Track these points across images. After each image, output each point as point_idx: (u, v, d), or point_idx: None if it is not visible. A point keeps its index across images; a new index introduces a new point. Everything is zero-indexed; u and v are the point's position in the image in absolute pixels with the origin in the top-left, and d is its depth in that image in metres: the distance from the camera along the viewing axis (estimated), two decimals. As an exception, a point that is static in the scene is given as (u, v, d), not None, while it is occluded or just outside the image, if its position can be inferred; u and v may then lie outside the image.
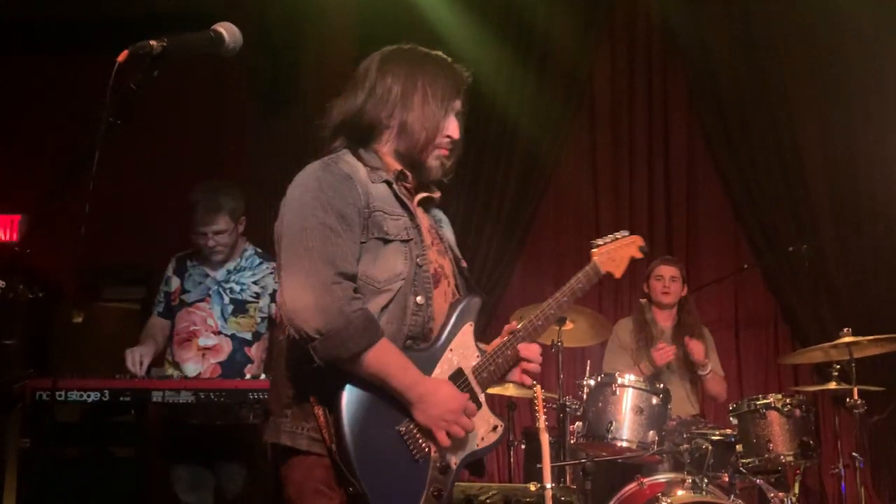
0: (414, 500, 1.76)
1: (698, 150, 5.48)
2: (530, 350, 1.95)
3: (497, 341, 1.97)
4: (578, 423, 3.57)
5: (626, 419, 3.42)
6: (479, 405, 1.87)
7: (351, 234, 1.77)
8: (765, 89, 5.21)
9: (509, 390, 3.87)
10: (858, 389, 3.62)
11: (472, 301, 1.94)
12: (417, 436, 1.78)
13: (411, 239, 1.85)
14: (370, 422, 1.75)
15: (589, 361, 3.91)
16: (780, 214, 5.12)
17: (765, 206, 5.16)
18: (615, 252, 2.18)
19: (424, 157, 1.92)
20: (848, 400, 3.59)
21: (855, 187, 5.06)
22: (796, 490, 3.54)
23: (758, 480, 3.52)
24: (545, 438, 2.95)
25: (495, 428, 1.90)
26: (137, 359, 3.25)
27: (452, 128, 1.94)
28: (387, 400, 1.76)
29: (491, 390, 3.93)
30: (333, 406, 1.74)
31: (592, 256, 2.15)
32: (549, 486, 2.85)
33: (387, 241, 1.81)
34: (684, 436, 3.57)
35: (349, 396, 1.74)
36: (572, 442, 3.60)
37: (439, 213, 2.09)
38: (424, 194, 1.99)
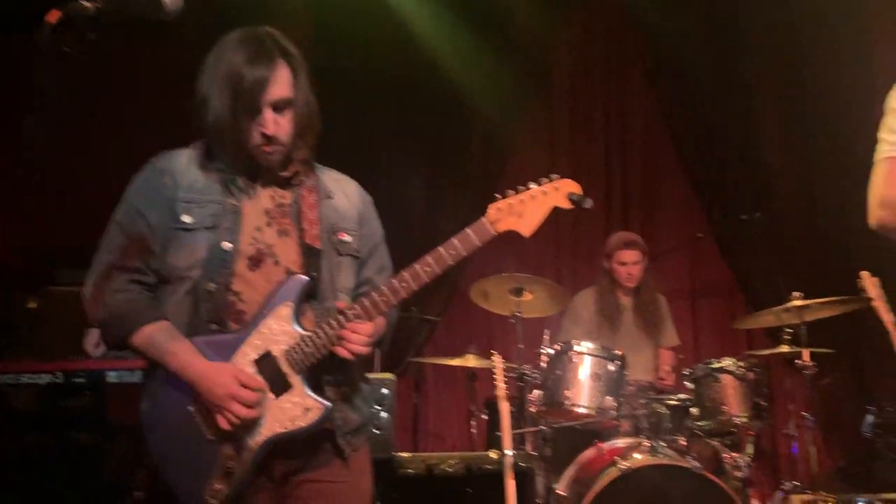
0: (203, 476, 1.84)
1: (654, 121, 5.54)
2: (357, 330, 1.85)
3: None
4: (538, 392, 3.62)
5: (585, 386, 3.48)
6: (287, 387, 1.85)
7: (142, 228, 1.90)
8: (720, 60, 5.26)
9: (470, 361, 3.91)
10: (809, 352, 3.71)
11: (292, 281, 1.89)
12: (207, 415, 1.85)
13: (216, 226, 1.89)
14: (168, 398, 1.88)
15: (548, 331, 3.96)
16: (733, 183, 5.21)
17: (719, 175, 5.25)
18: (524, 205, 1.90)
19: (247, 157, 1.90)
20: (797, 362, 3.68)
21: (808, 155, 5.16)
22: (750, 451, 3.63)
23: (713, 442, 3.61)
24: (504, 406, 2.99)
25: (308, 410, 1.85)
26: (94, 339, 3.21)
27: (267, 123, 1.87)
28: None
29: (451, 361, 4.02)
30: (145, 380, 1.94)
31: (486, 211, 1.90)
32: (509, 452, 2.88)
33: (188, 230, 1.89)
34: (642, 401, 3.65)
35: (156, 374, 1.89)
36: (532, 410, 3.65)
37: (339, 186, 2.06)
38: (278, 175, 1.96)
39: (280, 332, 1.86)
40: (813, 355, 3.73)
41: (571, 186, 1.91)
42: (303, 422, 1.84)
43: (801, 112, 5.16)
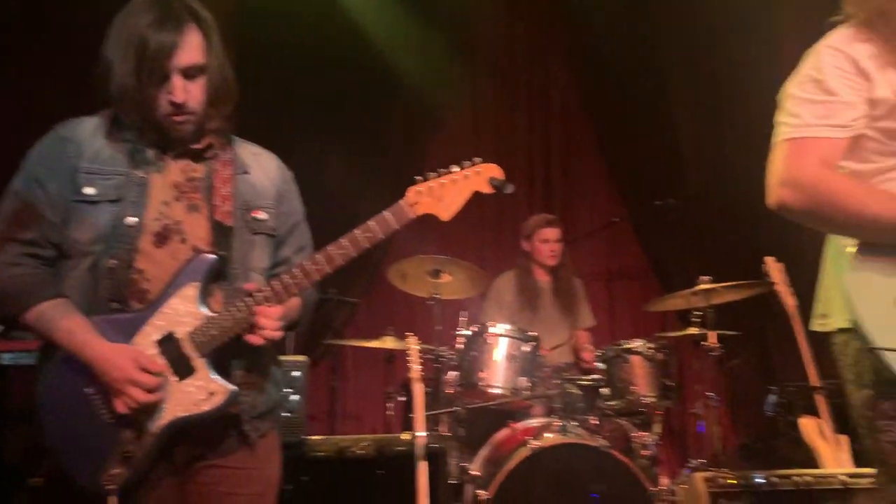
0: (101, 461, 1.77)
1: (575, 107, 5.62)
2: (266, 314, 1.79)
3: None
4: (454, 373, 3.63)
5: (499, 367, 3.51)
6: (190, 370, 1.79)
7: (40, 198, 1.80)
8: (638, 49, 5.37)
9: (387, 343, 3.89)
10: (716, 334, 3.83)
11: (199, 260, 1.82)
12: (105, 398, 1.78)
13: (121, 199, 1.81)
14: (64, 380, 1.79)
15: (466, 312, 3.97)
16: (648, 170, 5.33)
17: (635, 162, 5.37)
18: (444, 189, 1.88)
19: (156, 127, 1.82)
20: (703, 344, 3.80)
21: (719, 145, 5.32)
22: (657, 430, 3.74)
23: (622, 422, 3.70)
24: (418, 388, 2.99)
25: (212, 395, 1.79)
26: None
27: (175, 90, 1.79)
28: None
29: (368, 343, 3.99)
30: (41, 361, 1.84)
31: (406, 194, 1.87)
32: (421, 434, 2.88)
33: (90, 203, 1.80)
34: (556, 382, 3.71)
35: (51, 354, 1.80)
36: (449, 391, 3.66)
37: (257, 161, 1.99)
38: (190, 147, 1.89)
39: (185, 312, 1.79)
40: (720, 337, 3.85)
41: (493, 171, 1.89)
42: (206, 406, 1.78)
43: (714, 103, 5.33)
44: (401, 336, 3.95)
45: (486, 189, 1.90)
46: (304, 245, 2.04)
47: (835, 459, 3.58)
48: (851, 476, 3.04)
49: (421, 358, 3.15)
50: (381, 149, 5.35)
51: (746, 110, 5.14)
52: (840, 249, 1.75)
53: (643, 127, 5.37)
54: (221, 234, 1.85)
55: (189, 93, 1.80)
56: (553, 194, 5.60)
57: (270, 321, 1.79)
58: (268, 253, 1.95)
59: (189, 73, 1.80)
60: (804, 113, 1.72)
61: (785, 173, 1.70)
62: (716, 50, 5.29)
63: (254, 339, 1.79)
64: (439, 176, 1.89)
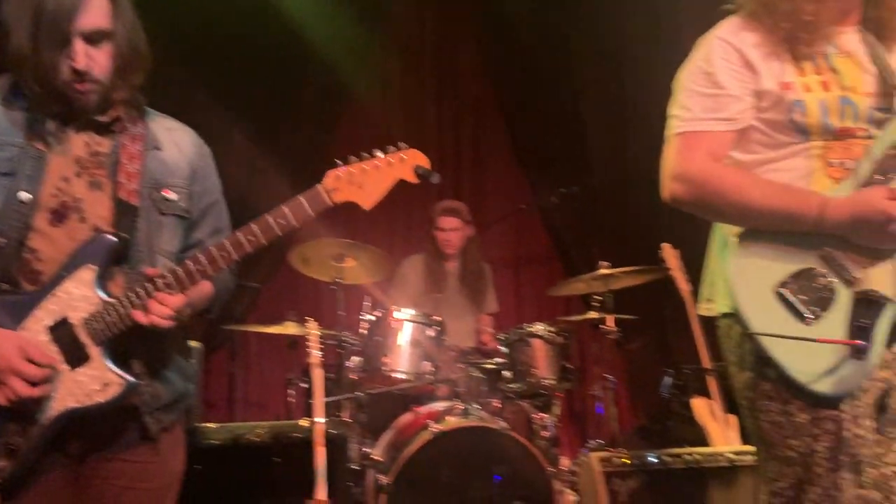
0: None
1: (486, 94, 5.65)
2: (164, 301, 1.67)
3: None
4: (358, 358, 3.60)
5: (403, 352, 3.50)
6: (84, 359, 1.68)
7: None
8: (549, 39, 5.43)
9: (289, 329, 3.81)
10: (614, 318, 3.93)
11: (98, 241, 1.71)
12: None
13: (14, 172, 1.68)
14: None
15: (370, 297, 3.94)
16: (555, 158, 5.42)
17: (543, 149, 5.44)
18: (366, 175, 1.75)
19: (57, 95, 1.70)
20: (601, 327, 3.89)
21: (624, 134, 5.45)
22: (556, 411, 3.82)
23: (524, 404, 3.76)
24: (317, 374, 2.94)
25: (107, 385, 1.68)
26: None
27: (76, 56, 1.66)
28: None
29: (269, 329, 3.89)
30: None
31: (324, 179, 1.75)
32: (319, 420, 2.84)
33: None
34: (460, 366, 3.73)
35: None
36: (352, 377, 3.62)
37: (171, 137, 1.88)
38: (95, 119, 1.77)
39: (80, 297, 1.68)
40: (618, 321, 3.95)
41: (419, 159, 1.77)
42: (100, 397, 1.67)
43: (618, 96, 5.44)
44: (302, 321, 3.88)
45: (411, 178, 1.77)
46: (220, 227, 1.93)
47: (724, 438, 3.74)
48: (737, 453, 3.18)
49: (323, 343, 3.11)
50: (289, 125, 5.23)
51: (647, 104, 5.26)
52: (725, 237, 1.81)
53: (551, 117, 5.45)
54: (125, 214, 1.74)
55: (93, 59, 1.68)
56: (463, 181, 5.63)
57: (164, 309, 1.68)
58: (178, 235, 1.85)
59: (92, 38, 1.68)
60: (694, 106, 1.77)
61: (676, 167, 1.76)
62: (622, 43, 5.39)
63: (139, 318, 1.68)
64: (361, 161, 1.75)
